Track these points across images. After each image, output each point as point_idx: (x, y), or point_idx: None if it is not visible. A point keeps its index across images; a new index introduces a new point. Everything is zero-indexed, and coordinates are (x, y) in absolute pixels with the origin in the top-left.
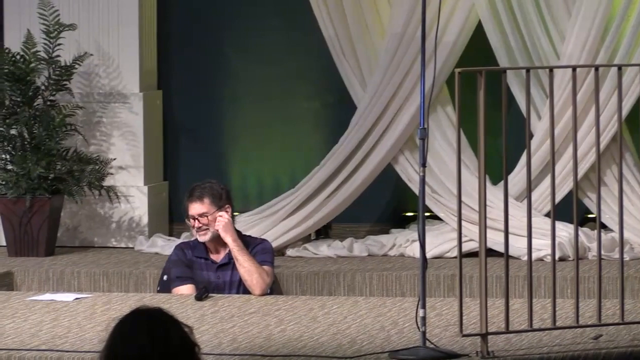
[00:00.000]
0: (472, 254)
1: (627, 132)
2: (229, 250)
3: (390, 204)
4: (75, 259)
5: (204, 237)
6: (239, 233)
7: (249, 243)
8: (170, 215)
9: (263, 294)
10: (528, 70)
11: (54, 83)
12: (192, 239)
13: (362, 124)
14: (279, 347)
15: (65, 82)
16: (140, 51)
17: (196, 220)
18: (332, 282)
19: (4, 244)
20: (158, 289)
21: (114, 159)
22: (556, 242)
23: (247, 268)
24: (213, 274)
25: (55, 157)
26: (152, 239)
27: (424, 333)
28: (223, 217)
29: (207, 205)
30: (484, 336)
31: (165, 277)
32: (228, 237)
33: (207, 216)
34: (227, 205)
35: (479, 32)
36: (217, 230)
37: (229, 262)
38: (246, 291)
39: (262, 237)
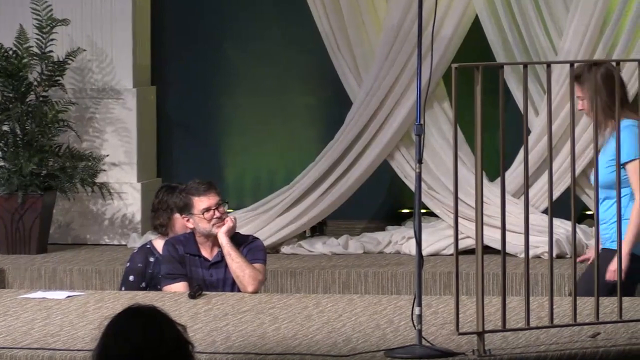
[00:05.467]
0: (469, 251)
1: None
2: (221, 249)
3: (386, 201)
4: (67, 256)
5: (221, 228)
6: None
7: (240, 241)
8: None
9: (256, 292)
10: (525, 66)
11: (47, 79)
12: (181, 234)
13: (358, 120)
14: (273, 345)
15: (58, 78)
16: (134, 46)
17: (215, 211)
18: (327, 280)
19: None
20: (122, 288)
21: (107, 156)
22: (554, 239)
23: (239, 263)
24: (206, 272)
25: (47, 153)
26: (145, 236)
27: (419, 331)
28: (233, 221)
29: (217, 195)
30: (480, 334)
31: (131, 278)
32: (225, 238)
33: (222, 204)
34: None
35: (476, 26)
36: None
37: (222, 259)
38: (240, 289)
39: (257, 234)
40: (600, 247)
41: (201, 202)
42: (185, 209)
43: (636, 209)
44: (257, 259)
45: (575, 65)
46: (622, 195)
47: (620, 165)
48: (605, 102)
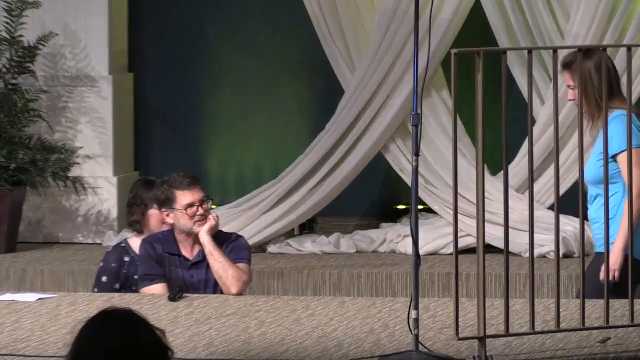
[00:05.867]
0: (470, 251)
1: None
2: (202, 248)
3: (381, 197)
4: (38, 256)
5: (203, 226)
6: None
7: (223, 239)
8: None
9: (240, 294)
10: (530, 51)
11: (17, 65)
12: (159, 232)
13: (351, 109)
14: (260, 351)
15: (28, 65)
16: (110, 30)
17: (199, 208)
18: (317, 281)
19: None
20: (95, 290)
21: (81, 148)
22: (560, 238)
23: (222, 263)
24: (186, 273)
25: (17, 145)
26: (121, 234)
27: (416, 336)
28: (216, 219)
29: (202, 190)
30: (482, 340)
31: (105, 279)
32: (207, 237)
33: (206, 201)
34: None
35: (477, 9)
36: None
37: (204, 259)
38: (223, 291)
39: (242, 232)
40: (594, 250)
41: (185, 197)
42: (167, 203)
43: (630, 202)
44: (241, 258)
45: (565, 52)
46: (615, 191)
47: (611, 158)
48: (598, 93)
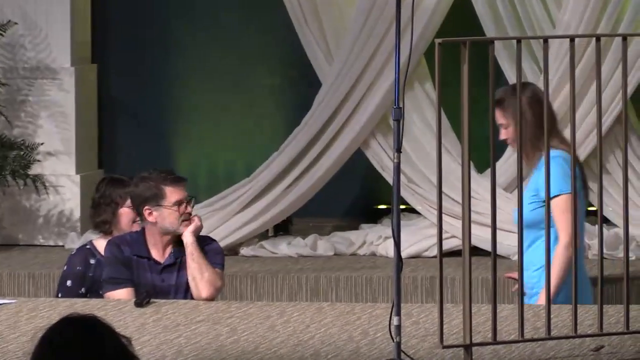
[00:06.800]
0: (455, 253)
1: (632, 112)
2: (174, 250)
3: (360, 196)
4: None
5: (188, 227)
6: None
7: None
8: None
9: (211, 299)
10: (519, 41)
11: None
12: (127, 233)
13: (328, 103)
14: None
15: None
16: (72, 19)
17: (187, 205)
18: (292, 286)
19: None
20: (59, 295)
21: (42, 144)
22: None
23: (200, 264)
24: (156, 277)
25: None
26: (85, 235)
27: (398, 344)
28: (200, 221)
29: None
30: (467, 347)
31: (69, 283)
32: (191, 237)
33: (190, 200)
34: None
35: None
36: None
37: (175, 262)
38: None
39: (213, 233)
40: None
41: (174, 194)
42: (153, 199)
43: (560, 251)
44: (215, 263)
45: (499, 91)
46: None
47: (544, 202)
48: (532, 131)
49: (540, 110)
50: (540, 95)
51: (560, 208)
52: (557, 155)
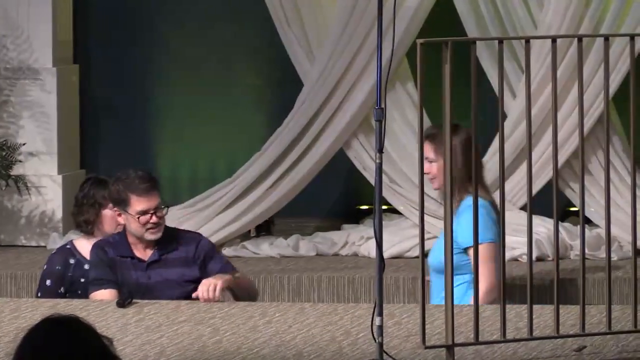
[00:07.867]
0: None
1: (614, 112)
2: (157, 247)
3: (342, 196)
4: None
5: (156, 235)
6: (169, 229)
7: (183, 240)
8: None
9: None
10: (501, 41)
11: None
12: (110, 235)
13: (310, 103)
14: None
15: None
16: (54, 19)
17: (153, 215)
18: (274, 286)
19: None
20: (39, 294)
21: (24, 144)
22: (533, 240)
23: (243, 292)
24: (142, 274)
25: None
26: (67, 236)
27: (380, 344)
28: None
29: (159, 196)
30: (449, 348)
31: (48, 282)
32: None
33: (162, 209)
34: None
35: None
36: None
37: (160, 259)
38: (188, 294)
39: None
40: None
41: (139, 203)
42: (121, 204)
43: (480, 297)
44: (228, 270)
45: (431, 128)
46: (462, 282)
47: (462, 249)
48: (460, 176)
49: (471, 157)
50: (472, 139)
51: (482, 256)
52: (481, 205)
